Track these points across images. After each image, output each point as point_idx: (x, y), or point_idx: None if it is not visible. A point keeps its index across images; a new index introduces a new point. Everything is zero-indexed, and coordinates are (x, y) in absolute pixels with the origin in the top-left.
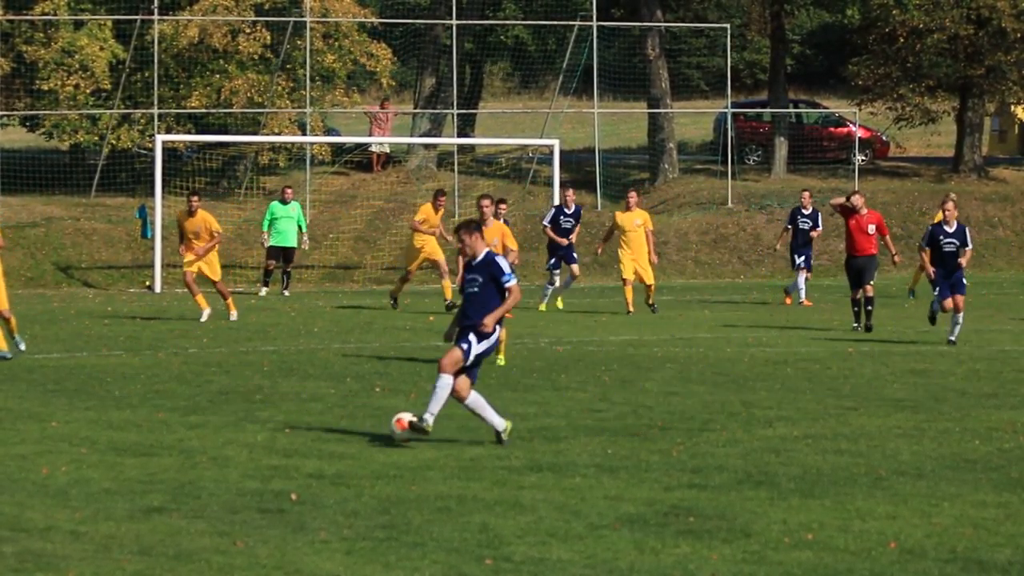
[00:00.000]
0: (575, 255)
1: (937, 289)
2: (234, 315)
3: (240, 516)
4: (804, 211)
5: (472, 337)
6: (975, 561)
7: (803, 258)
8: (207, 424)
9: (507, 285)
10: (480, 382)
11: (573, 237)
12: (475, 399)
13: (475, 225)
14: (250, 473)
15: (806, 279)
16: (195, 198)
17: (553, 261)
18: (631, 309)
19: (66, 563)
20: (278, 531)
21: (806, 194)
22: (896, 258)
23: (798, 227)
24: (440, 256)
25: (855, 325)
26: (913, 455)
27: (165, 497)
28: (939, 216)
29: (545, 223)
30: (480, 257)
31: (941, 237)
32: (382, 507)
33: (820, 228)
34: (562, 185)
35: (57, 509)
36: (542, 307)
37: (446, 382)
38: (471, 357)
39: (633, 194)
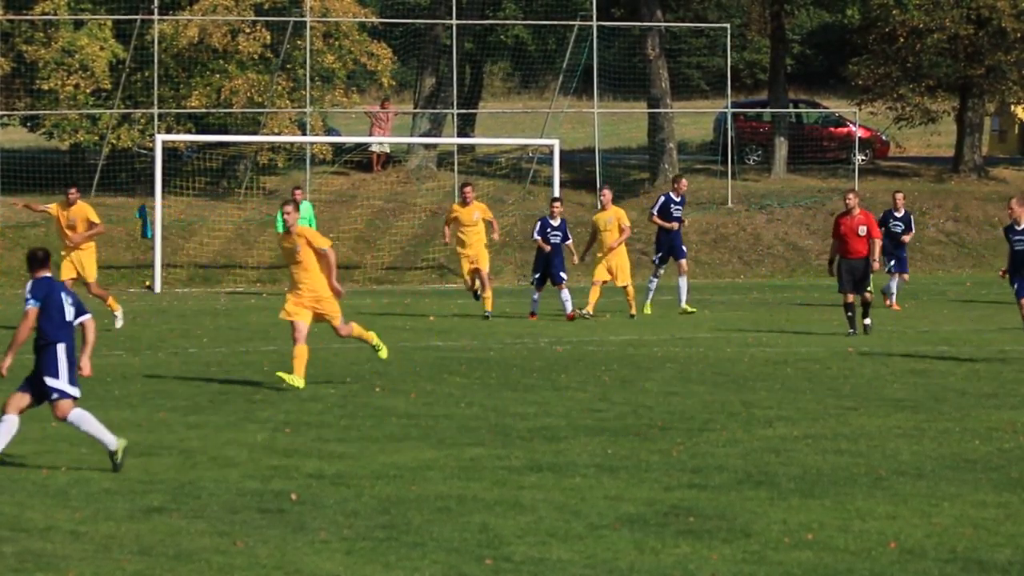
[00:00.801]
0: (684, 248)
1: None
2: (119, 319)
3: (240, 516)
4: (896, 213)
5: (46, 380)
6: (975, 561)
7: (893, 262)
8: (207, 424)
9: (25, 309)
10: (480, 382)
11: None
12: (78, 415)
13: (39, 257)
14: (250, 473)
15: (901, 283)
16: (73, 189)
17: (661, 255)
18: (590, 311)
19: (66, 563)
20: (278, 531)
21: (899, 196)
22: (875, 265)
23: (889, 230)
24: (484, 264)
25: (850, 331)
26: (913, 455)
27: (165, 497)
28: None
29: (653, 211)
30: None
31: (1012, 236)
32: (382, 507)
33: (912, 231)
34: (675, 178)
35: (57, 509)
36: (646, 309)
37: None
38: (61, 392)
39: (606, 192)
